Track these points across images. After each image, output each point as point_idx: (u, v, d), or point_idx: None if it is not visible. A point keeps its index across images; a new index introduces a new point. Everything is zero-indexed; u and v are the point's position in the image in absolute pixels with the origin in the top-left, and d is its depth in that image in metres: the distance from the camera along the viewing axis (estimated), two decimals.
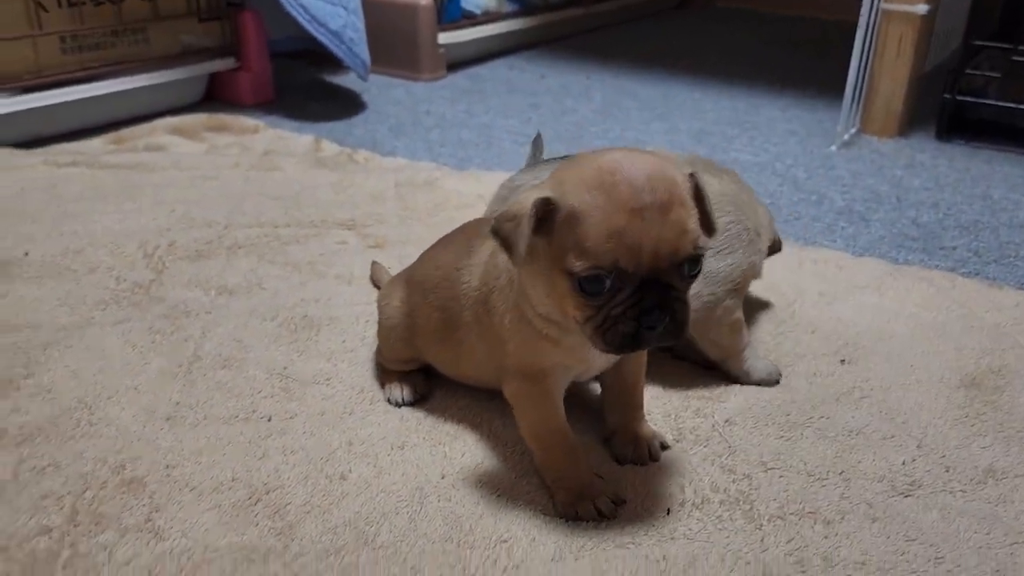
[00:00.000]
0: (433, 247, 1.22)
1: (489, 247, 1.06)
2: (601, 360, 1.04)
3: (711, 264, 1.18)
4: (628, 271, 0.86)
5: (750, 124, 2.66)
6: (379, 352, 1.27)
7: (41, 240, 1.57)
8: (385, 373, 1.24)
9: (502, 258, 0.99)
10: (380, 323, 1.24)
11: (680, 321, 0.90)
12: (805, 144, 2.50)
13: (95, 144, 2.18)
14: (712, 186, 1.12)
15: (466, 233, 1.17)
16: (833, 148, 2.45)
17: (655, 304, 0.87)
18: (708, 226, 0.91)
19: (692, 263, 0.89)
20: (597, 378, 1.15)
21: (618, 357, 1.06)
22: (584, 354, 1.00)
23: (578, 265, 0.86)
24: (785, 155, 2.40)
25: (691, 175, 0.90)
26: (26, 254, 1.52)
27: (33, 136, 2.19)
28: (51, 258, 1.52)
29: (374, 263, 1.52)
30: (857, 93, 2.47)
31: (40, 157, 2.00)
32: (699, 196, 0.90)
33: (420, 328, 1.17)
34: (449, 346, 1.14)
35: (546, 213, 0.88)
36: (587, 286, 0.87)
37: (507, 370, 1.05)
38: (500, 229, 0.91)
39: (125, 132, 2.26)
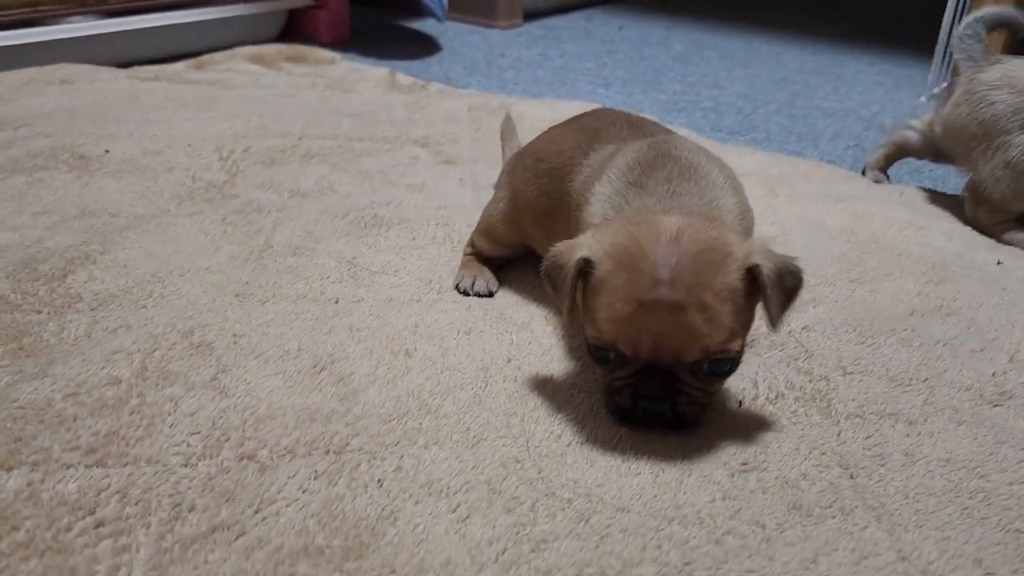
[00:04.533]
0: (561, 127, 1.20)
1: (603, 155, 1.04)
2: None
3: None
4: (627, 355, 0.84)
5: (835, 75, 2.57)
6: (473, 236, 1.25)
7: (122, 140, 1.60)
8: (464, 266, 1.23)
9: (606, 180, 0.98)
10: (490, 201, 1.25)
11: (681, 414, 0.87)
12: (893, 94, 2.40)
13: (176, 67, 2.22)
14: None
15: (592, 130, 1.13)
16: (923, 99, 2.35)
17: (652, 392, 0.86)
18: (770, 318, 0.84)
19: (716, 363, 0.84)
20: None
21: None
22: None
23: (588, 330, 0.86)
24: (872, 103, 2.31)
25: (750, 269, 0.83)
26: (107, 151, 1.55)
27: (115, 61, 2.24)
28: (131, 156, 1.54)
29: (506, 117, 1.50)
30: (950, 45, 2.36)
31: (123, 73, 2.03)
32: (760, 289, 0.83)
33: (525, 208, 1.17)
34: (548, 232, 1.13)
35: (586, 272, 0.86)
36: (594, 351, 0.87)
37: None
38: (548, 274, 0.90)
39: (205, 58, 2.29)
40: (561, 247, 0.89)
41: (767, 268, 0.83)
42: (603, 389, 0.92)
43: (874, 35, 3.10)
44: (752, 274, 0.83)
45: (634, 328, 0.82)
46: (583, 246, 0.86)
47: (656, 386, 0.85)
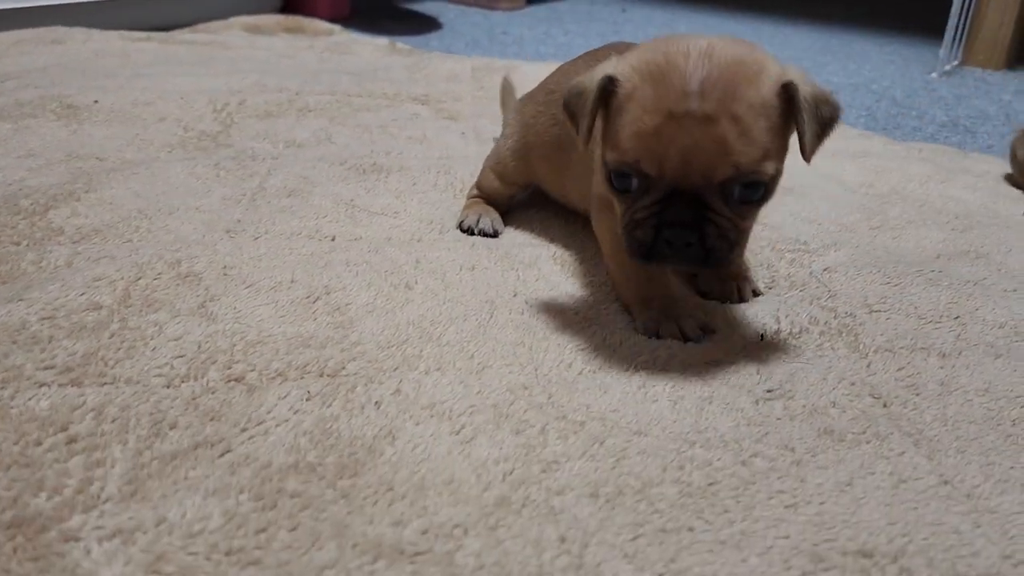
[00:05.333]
0: (571, 61, 1.15)
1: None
2: None
3: None
4: (651, 176, 0.76)
5: (843, 54, 2.53)
6: (479, 177, 1.20)
7: (112, 91, 1.54)
8: (468, 206, 1.17)
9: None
10: (499, 139, 1.19)
11: (710, 248, 0.77)
12: (904, 71, 2.35)
13: (171, 32, 2.16)
14: None
15: (598, 56, 1.08)
16: (934, 75, 2.30)
17: (678, 219, 0.76)
18: (801, 146, 0.78)
19: (748, 187, 0.76)
20: None
21: None
22: None
23: (608, 156, 0.79)
24: (882, 78, 2.26)
25: (785, 85, 0.76)
26: (96, 102, 1.49)
27: (111, 28, 2.18)
28: (120, 107, 1.49)
29: (505, 78, 1.44)
30: (962, 21, 2.32)
31: (116, 34, 1.98)
32: (795, 111, 0.77)
33: (535, 142, 1.11)
34: (558, 164, 1.08)
35: (610, 93, 0.79)
36: (615, 180, 0.79)
37: (592, 198, 0.98)
38: (569, 103, 0.84)
39: (200, 26, 2.24)
40: (583, 76, 0.83)
41: (804, 88, 0.77)
42: (624, 228, 0.81)
43: (882, 16, 3.05)
44: (787, 93, 0.77)
45: (660, 143, 0.75)
46: (607, 67, 0.80)
47: (683, 212, 0.76)
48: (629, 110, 0.77)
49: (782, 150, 0.80)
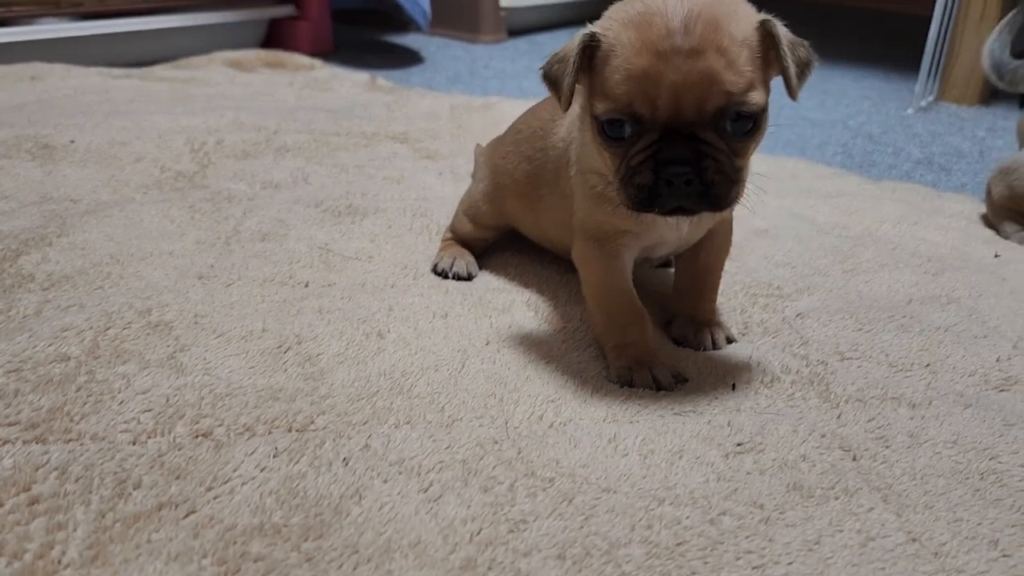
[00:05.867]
0: (538, 104, 1.16)
1: (580, 101, 1.00)
2: (671, 233, 0.94)
3: None
4: (645, 116, 0.78)
5: (820, 89, 2.55)
6: (453, 221, 1.21)
7: (89, 130, 1.54)
8: (443, 248, 1.18)
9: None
10: (471, 184, 1.20)
11: (709, 182, 0.78)
12: (879, 107, 2.38)
13: (151, 68, 2.16)
14: None
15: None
16: (910, 111, 2.33)
17: (676, 155, 0.77)
18: (787, 81, 0.81)
19: (739, 120, 0.78)
20: (675, 261, 1.06)
21: (695, 235, 0.98)
22: (644, 219, 0.91)
23: (599, 107, 0.80)
24: (858, 114, 2.29)
25: (763, 22, 0.80)
26: (72, 141, 1.48)
27: (91, 64, 2.17)
28: (97, 146, 1.48)
29: (477, 145, 1.45)
30: (937, 57, 2.35)
31: (95, 71, 1.98)
32: (775, 46, 0.80)
33: (506, 183, 1.12)
34: (532, 202, 1.08)
35: (592, 50, 0.81)
36: (608, 129, 0.80)
37: (575, 229, 0.98)
38: (550, 71, 0.85)
39: (181, 62, 2.24)
40: (561, 47, 0.85)
41: (780, 27, 0.80)
42: (621, 179, 0.82)
43: (859, 51, 3.09)
44: (765, 29, 0.80)
45: (651, 82, 0.76)
46: (586, 29, 0.82)
47: (680, 148, 0.78)
48: (616, 56, 0.79)
49: (765, 83, 0.82)
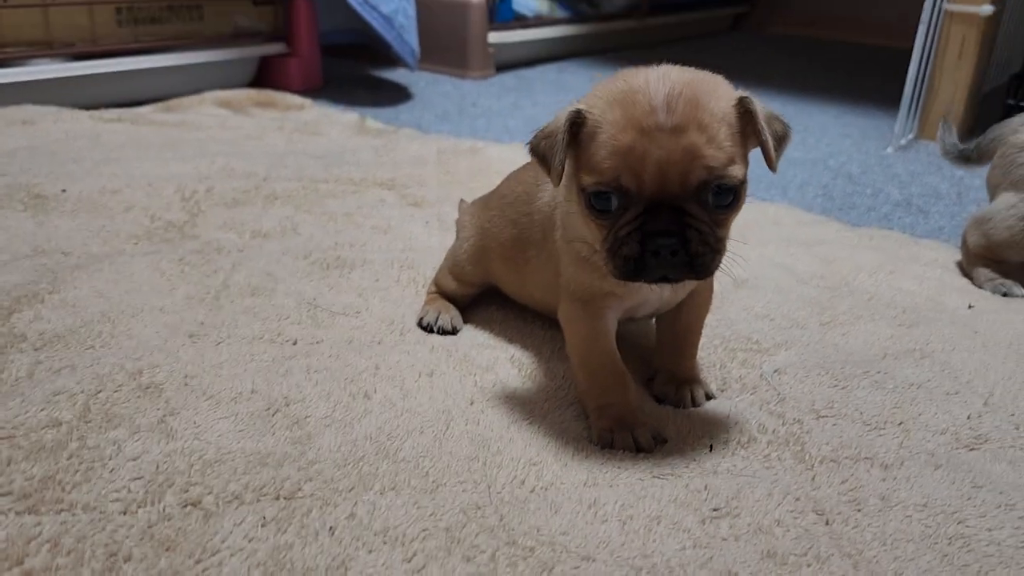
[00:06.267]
0: (521, 168, 1.19)
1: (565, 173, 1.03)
2: (655, 295, 0.98)
3: None
4: (632, 190, 0.81)
5: (800, 127, 2.60)
6: (437, 276, 1.23)
7: (80, 178, 1.56)
8: (428, 302, 1.20)
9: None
10: (455, 242, 1.23)
11: (694, 253, 0.82)
12: (860, 145, 2.42)
13: (142, 109, 2.19)
14: None
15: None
16: (889, 150, 2.37)
17: (661, 228, 0.81)
18: (765, 154, 0.85)
19: (720, 193, 0.82)
20: (656, 319, 1.09)
21: (678, 296, 1.01)
22: (630, 284, 0.94)
23: (586, 180, 0.84)
24: (839, 153, 2.33)
25: (741, 99, 0.84)
26: (63, 190, 1.51)
27: (82, 105, 2.20)
28: (88, 195, 1.50)
29: (461, 200, 1.48)
30: (916, 96, 2.40)
31: (87, 114, 2.00)
32: (753, 122, 0.84)
33: (492, 245, 1.15)
34: (517, 265, 1.11)
35: (578, 127, 0.85)
36: (595, 202, 0.84)
37: (561, 290, 1.01)
38: (537, 145, 0.89)
39: (173, 102, 2.27)
40: (547, 123, 0.88)
41: (757, 103, 0.84)
42: (608, 250, 0.85)
43: (839, 88, 3.14)
44: (743, 106, 0.83)
45: (636, 157, 0.80)
46: (571, 106, 0.85)
47: (665, 219, 0.81)
48: (602, 132, 0.82)
49: (744, 157, 0.86)
